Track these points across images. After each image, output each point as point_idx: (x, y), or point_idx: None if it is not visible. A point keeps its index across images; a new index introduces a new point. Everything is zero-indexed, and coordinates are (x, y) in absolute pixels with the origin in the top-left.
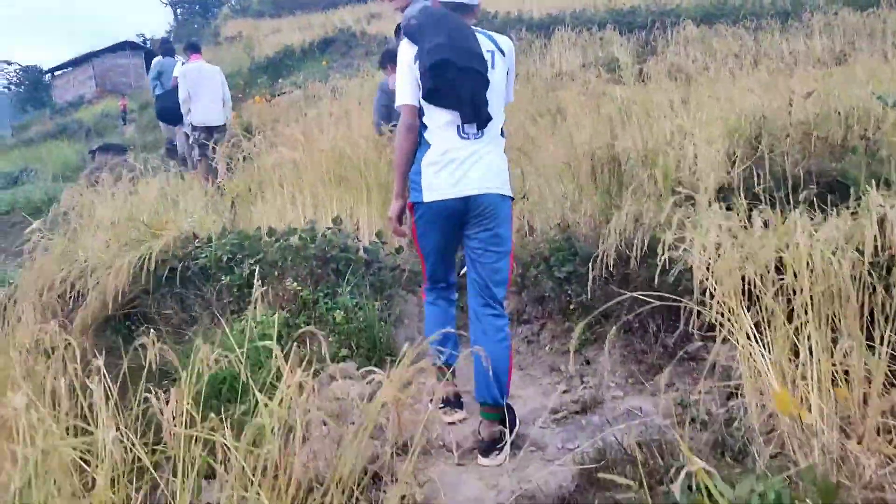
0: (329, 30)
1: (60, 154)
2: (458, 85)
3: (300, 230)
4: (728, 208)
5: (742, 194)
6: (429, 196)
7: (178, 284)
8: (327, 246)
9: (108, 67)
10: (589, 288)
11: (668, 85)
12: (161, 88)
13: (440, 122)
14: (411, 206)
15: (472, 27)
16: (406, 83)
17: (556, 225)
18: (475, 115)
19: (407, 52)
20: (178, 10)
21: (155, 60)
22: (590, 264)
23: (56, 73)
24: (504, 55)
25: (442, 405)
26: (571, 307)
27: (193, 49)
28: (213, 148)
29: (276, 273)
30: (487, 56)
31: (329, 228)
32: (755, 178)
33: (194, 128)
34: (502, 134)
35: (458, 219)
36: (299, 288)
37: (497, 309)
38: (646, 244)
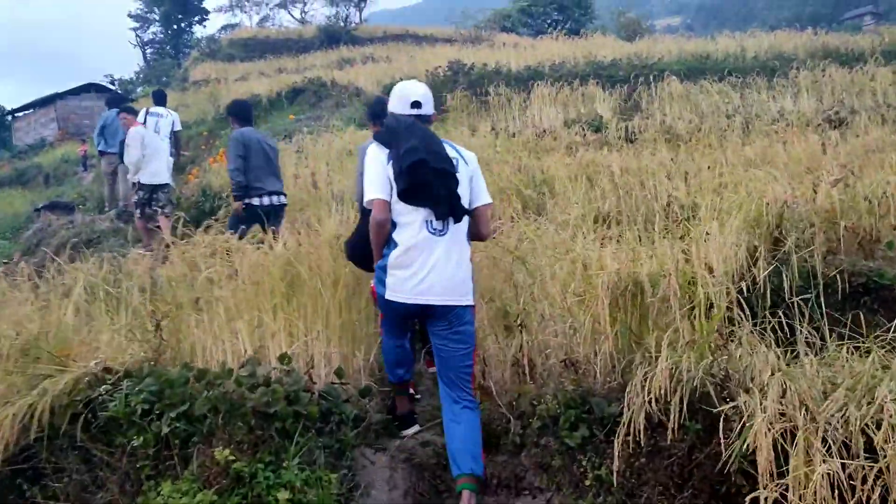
0: (298, 79)
1: (12, 205)
2: (434, 184)
3: (237, 373)
4: (756, 323)
5: (768, 297)
6: (391, 295)
7: (81, 436)
8: (271, 397)
9: (71, 109)
10: (614, 466)
11: (660, 150)
12: (105, 144)
13: (409, 220)
14: (376, 292)
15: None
16: (377, 180)
17: (562, 363)
18: (450, 210)
19: (378, 153)
20: (148, 52)
21: (102, 114)
22: (614, 437)
23: (17, 114)
24: (467, 164)
25: (397, 422)
26: (587, 482)
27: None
28: (156, 209)
29: (204, 432)
30: (454, 160)
31: (275, 368)
32: (781, 277)
33: (140, 186)
34: (469, 239)
35: (417, 317)
36: (232, 458)
37: (469, 402)
38: (685, 406)
